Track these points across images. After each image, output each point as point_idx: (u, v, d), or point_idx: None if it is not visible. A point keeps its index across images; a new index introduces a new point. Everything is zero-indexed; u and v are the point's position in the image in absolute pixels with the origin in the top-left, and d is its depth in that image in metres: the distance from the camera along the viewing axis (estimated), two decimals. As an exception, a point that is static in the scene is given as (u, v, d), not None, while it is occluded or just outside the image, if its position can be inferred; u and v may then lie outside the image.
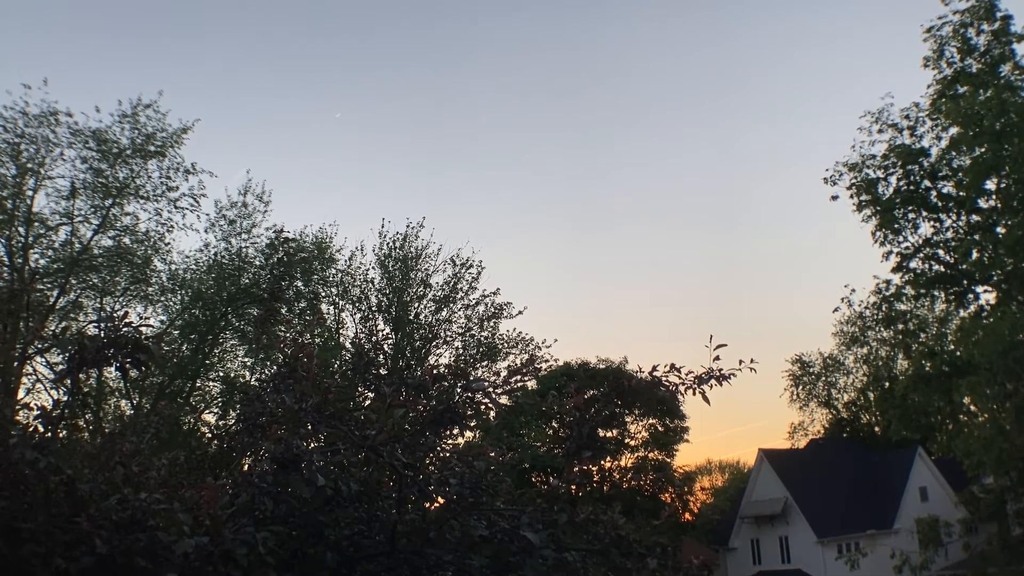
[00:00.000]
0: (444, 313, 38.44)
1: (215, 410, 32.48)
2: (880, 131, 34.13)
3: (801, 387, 67.98)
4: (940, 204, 33.71)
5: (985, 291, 33.80)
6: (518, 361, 35.18)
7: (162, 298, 32.52)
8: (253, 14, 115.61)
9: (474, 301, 38.45)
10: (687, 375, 7.57)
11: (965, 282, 33.80)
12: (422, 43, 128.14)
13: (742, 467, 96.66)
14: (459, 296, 38.43)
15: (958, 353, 33.49)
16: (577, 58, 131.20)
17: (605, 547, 7.35)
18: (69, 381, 6.79)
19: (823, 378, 68.04)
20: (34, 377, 28.99)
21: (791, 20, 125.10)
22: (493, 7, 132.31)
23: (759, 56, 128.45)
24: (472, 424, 8.06)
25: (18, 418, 6.70)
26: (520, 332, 39.16)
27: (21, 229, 28.86)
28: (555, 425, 48.76)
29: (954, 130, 31.98)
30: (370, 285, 38.37)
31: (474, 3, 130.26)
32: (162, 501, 6.02)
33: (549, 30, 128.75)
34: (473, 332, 38.47)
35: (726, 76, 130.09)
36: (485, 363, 37.90)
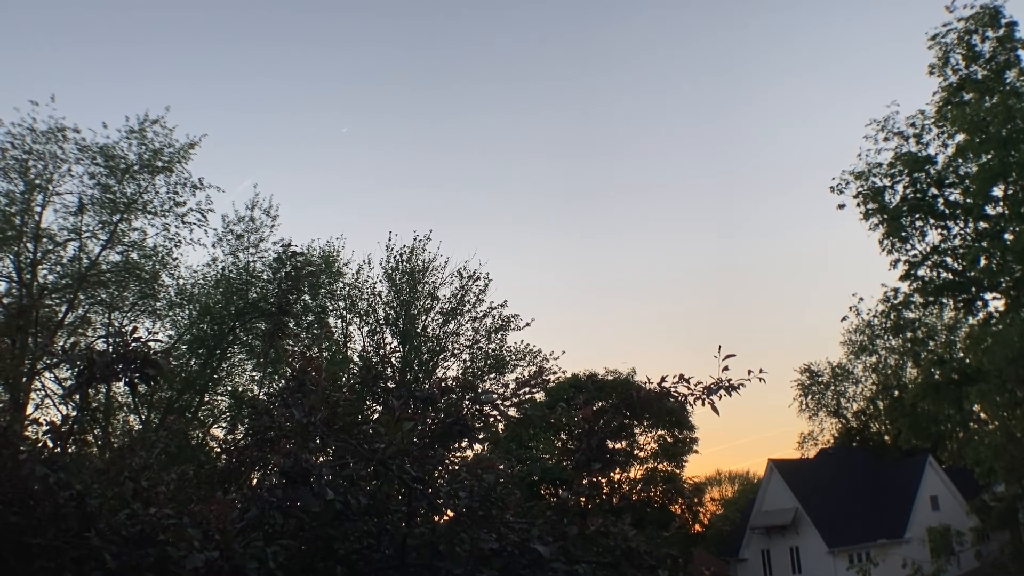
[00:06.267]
0: (451, 325, 38.44)
1: (224, 424, 32.48)
2: (886, 139, 34.11)
3: (810, 396, 67.72)
4: (947, 211, 33.63)
5: (994, 298, 33.70)
6: (526, 373, 35.15)
7: (170, 313, 32.58)
8: (260, 28, 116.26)
9: (481, 313, 38.47)
10: (696, 386, 7.56)
11: (973, 289, 33.69)
12: (429, 58, 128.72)
13: (752, 477, 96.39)
14: (466, 308, 38.45)
15: (967, 361, 33.37)
16: (582, 68, 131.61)
17: (616, 559, 7.33)
18: (78, 396, 6.80)
19: (832, 387, 67.76)
20: (43, 392, 29.08)
21: (796, 30, 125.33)
22: (498, 24, 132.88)
23: (765, 66, 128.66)
24: (481, 436, 8.05)
25: (27, 434, 6.71)
26: (528, 344, 39.13)
27: (30, 245, 28.97)
28: (564, 437, 48.66)
29: (960, 137, 31.93)
30: (377, 298, 38.42)
31: (479, 19, 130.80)
32: (172, 516, 6.02)
33: (554, 43, 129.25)
34: (481, 344, 38.46)
35: (732, 86, 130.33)
36: (493, 375, 37.86)
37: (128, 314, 31.16)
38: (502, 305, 38.44)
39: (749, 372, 7.46)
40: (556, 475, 41.81)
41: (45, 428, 6.44)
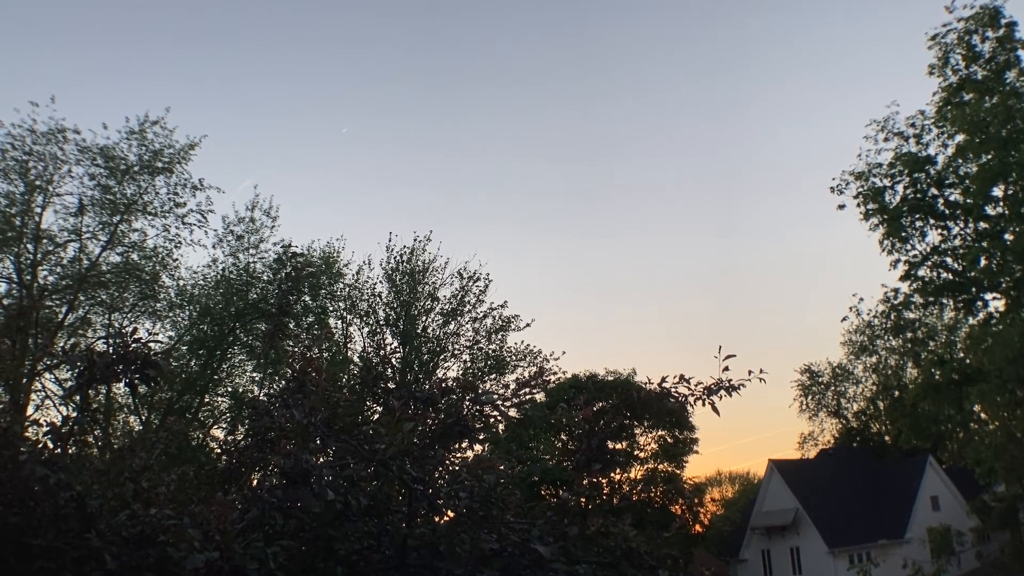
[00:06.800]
0: (452, 326, 38.45)
1: (224, 425, 32.49)
2: (886, 139, 34.06)
3: (810, 397, 67.73)
4: (947, 212, 33.60)
5: (994, 298, 33.66)
6: (526, 374, 35.18)
7: (170, 314, 32.60)
8: (260, 29, 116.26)
9: (482, 314, 38.47)
10: (696, 386, 7.55)
11: (973, 289, 33.66)
12: (429, 59, 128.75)
13: (752, 478, 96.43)
14: (467, 309, 38.45)
15: (968, 361, 33.36)
16: (582, 70, 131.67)
17: (616, 559, 7.33)
18: (78, 397, 6.79)
19: (832, 388, 67.77)
20: (43, 393, 29.09)
21: (796, 30, 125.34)
22: (498, 26, 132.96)
23: (765, 67, 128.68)
24: (481, 437, 8.04)
25: (28, 434, 6.71)
26: (528, 344, 39.13)
27: (30, 246, 28.97)
28: (564, 438, 48.66)
29: (960, 137, 31.90)
30: (378, 299, 38.42)
31: (479, 21, 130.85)
32: (172, 517, 6.02)
33: (554, 45, 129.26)
34: (481, 345, 38.46)
35: (732, 87, 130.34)
36: (493, 376, 37.87)
37: (128, 315, 31.18)
38: (502, 306, 38.48)
39: (749, 372, 7.47)
40: (556, 475, 41.85)
41: (45, 429, 6.44)
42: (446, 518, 7.55)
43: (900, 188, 33.72)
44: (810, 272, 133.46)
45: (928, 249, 33.95)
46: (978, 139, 30.47)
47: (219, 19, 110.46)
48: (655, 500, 51.33)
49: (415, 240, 38.72)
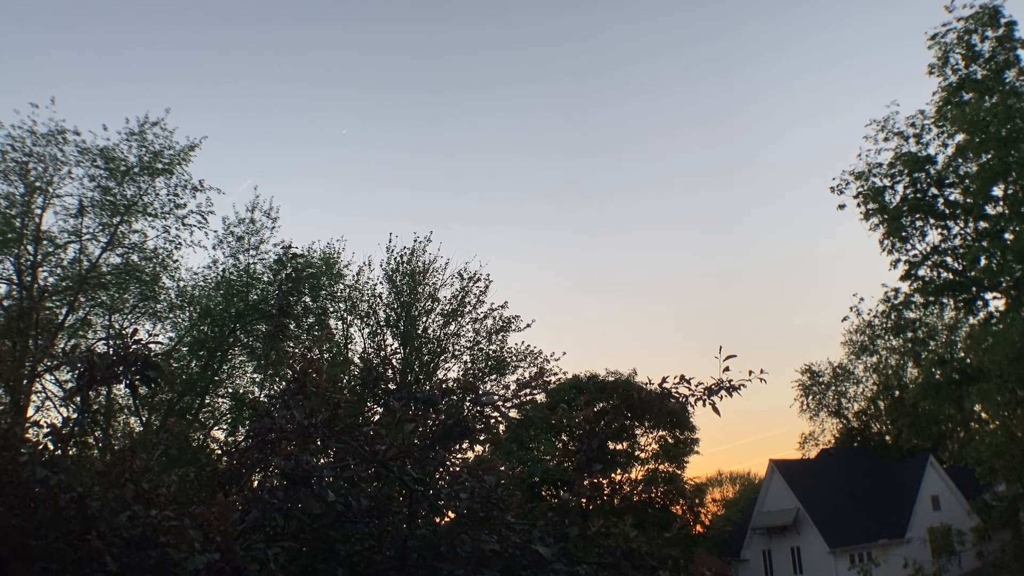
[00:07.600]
0: (452, 327, 38.41)
1: (224, 426, 32.43)
2: (886, 139, 34.09)
3: (811, 397, 67.72)
4: (947, 211, 33.60)
5: (994, 298, 33.68)
6: (527, 374, 35.10)
7: (171, 315, 32.53)
8: (260, 30, 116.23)
9: (482, 315, 38.43)
10: (697, 386, 7.55)
11: (974, 289, 33.66)
12: (430, 59, 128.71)
13: (753, 478, 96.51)
14: (467, 310, 38.42)
15: (968, 360, 33.35)
16: (582, 71, 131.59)
17: (617, 560, 7.33)
18: (79, 399, 6.79)
19: (833, 388, 67.76)
20: (44, 395, 29.03)
21: (797, 31, 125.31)
22: (499, 26, 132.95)
23: (765, 67, 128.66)
24: (482, 438, 8.04)
25: (28, 436, 6.71)
26: (528, 345, 39.10)
27: (30, 247, 28.94)
28: (565, 438, 48.62)
29: (960, 137, 31.91)
30: (378, 300, 38.39)
31: (480, 21, 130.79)
32: (172, 518, 6.01)
33: (556, 45, 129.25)
34: (481, 346, 38.43)
35: (733, 86, 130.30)
36: (494, 377, 37.82)
37: (129, 316, 31.13)
38: (502, 306, 38.45)
39: (750, 372, 7.47)
40: (557, 476, 41.80)
41: (46, 430, 6.44)
42: (447, 519, 7.54)
43: (900, 188, 33.74)
44: (810, 272, 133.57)
45: (928, 249, 33.96)
46: (978, 139, 30.48)
47: (219, 19, 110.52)
48: (656, 501, 51.30)
49: (415, 241, 38.72)
